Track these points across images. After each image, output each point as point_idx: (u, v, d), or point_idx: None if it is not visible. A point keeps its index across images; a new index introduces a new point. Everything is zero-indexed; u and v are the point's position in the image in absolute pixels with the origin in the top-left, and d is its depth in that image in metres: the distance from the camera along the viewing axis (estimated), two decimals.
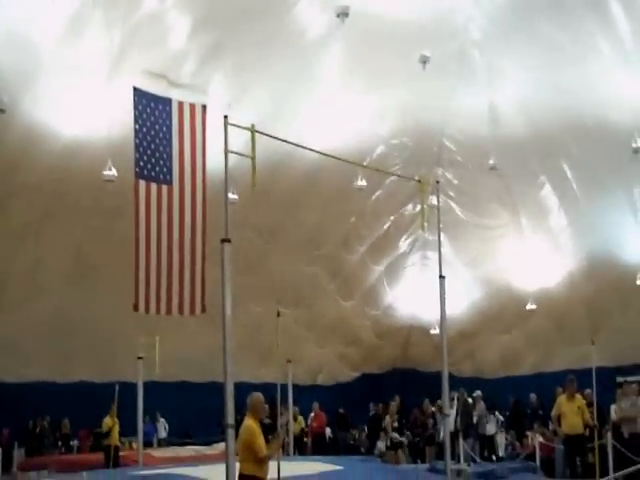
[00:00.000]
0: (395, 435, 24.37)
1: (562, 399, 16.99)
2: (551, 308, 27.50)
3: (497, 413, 24.79)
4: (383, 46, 20.78)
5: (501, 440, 24.45)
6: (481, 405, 23.50)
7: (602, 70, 20.82)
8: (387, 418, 24.83)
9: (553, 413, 17.43)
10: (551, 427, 20.51)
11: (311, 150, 13.22)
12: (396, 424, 24.85)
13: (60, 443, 25.46)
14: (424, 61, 18.88)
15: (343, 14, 16.85)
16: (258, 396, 9.92)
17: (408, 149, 25.72)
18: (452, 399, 21.42)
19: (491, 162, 23.58)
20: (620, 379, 24.27)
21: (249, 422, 9.72)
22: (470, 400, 23.27)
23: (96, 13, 17.95)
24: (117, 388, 18.80)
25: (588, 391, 19.07)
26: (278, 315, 19.74)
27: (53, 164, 20.69)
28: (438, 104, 23.65)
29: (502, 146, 23.91)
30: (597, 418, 17.78)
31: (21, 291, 23.28)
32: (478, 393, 23.85)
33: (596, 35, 20.19)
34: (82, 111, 19.81)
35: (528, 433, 23.18)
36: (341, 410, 28.00)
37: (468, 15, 21.38)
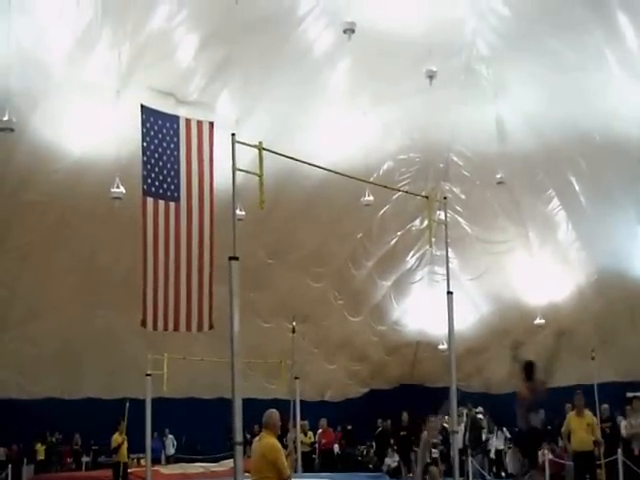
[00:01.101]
0: (435, 451, 23.89)
1: (571, 415, 16.88)
2: (560, 323, 27.38)
3: (505, 429, 24.69)
4: (390, 62, 20.84)
5: (510, 456, 24.34)
6: (484, 422, 23.40)
7: (609, 82, 20.81)
8: (425, 434, 24.40)
9: (563, 429, 17.32)
10: (560, 443, 20.39)
11: (318, 167, 13.20)
12: (436, 440, 24.43)
13: (71, 459, 25.56)
14: (431, 76, 18.86)
15: (350, 30, 16.85)
16: (275, 413, 9.88)
17: (415, 164, 25.75)
18: (460, 415, 21.33)
19: (498, 176, 23.55)
20: (630, 394, 24.12)
21: (271, 440, 9.63)
22: (480, 416, 23.16)
23: (104, 31, 18.06)
24: (127, 404, 18.79)
25: (605, 406, 19.02)
26: (293, 332, 19.76)
27: (62, 182, 20.80)
28: (445, 119, 23.70)
29: (509, 160, 23.87)
30: (603, 434, 17.66)
31: (29, 308, 23.40)
32: (479, 409, 23.76)
33: (603, 48, 20.20)
34: (90, 129, 19.93)
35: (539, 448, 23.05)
36: (349, 426, 27.92)
37: (474, 30, 21.41)
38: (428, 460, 21.51)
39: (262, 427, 9.84)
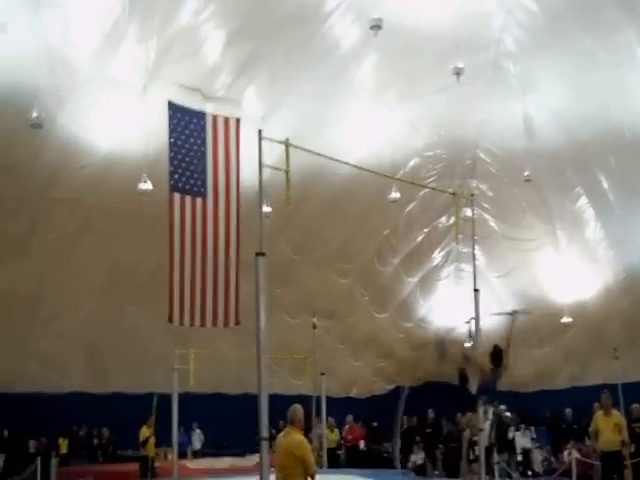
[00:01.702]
0: (477, 448, 23.57)
1: (599, 415, 16.77)
2: (587, 322, 27.22)
3: (533, 428, 24.60)
4: (416, 58, 20.76)
5: (537, 455, 24.24)
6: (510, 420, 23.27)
7: (639, 79, 20.63)
8: (467, 432, 24.19)
9: (590, 429, 17.22)
10: (588, 442, 20.27)
11: (344, 163, 13.20)
12: (475, 438, 24.23)
13: (98, 453, 25.77)
14: (458, 72, 18.77)
15: (376, 26, 16.79)
16: (301, 408, 9.91)
17: (442, 161, 25.64)
18: (486, 412, 21.25)
19: (526, 174, 23.40)
20: None
21: (299, 436, 9.66)
22: (508, 414, 23.03)
23: (131, 27, 18.10)
24: (155, 398, 18.89)
25: (636, 405, 18.86)
26: (314, 327, 19.80)
27: (89, 178, 20.91)
28: (472, 116, 23.58)
29: (537, 157, 23.71)
30: (634, 434, 17.52)
31: (59, 303, 23.57)
32: (503, 407, 23.64)
33: (632, 44, 19.99)
34: (118, 125, 20.00)
35: (566, 448, 22.92)
36: (374, 423, 27.91)
37: (502, 26, 21.27)
38: (471, 457, 21.39)
39: (287, 423, 9.86)
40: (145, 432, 20.18)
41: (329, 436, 23.26)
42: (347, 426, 25.93)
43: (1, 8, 16.88)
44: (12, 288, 22.40)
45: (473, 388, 13.96)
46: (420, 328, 31.01)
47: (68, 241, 22.44)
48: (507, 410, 23.70)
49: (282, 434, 9.84)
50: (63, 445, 25.12)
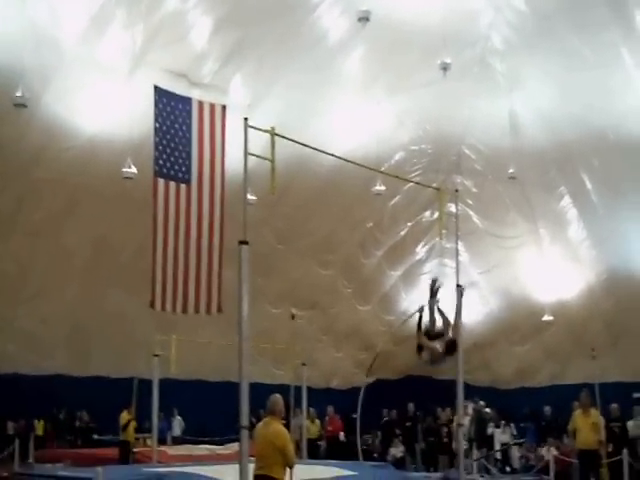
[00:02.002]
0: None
1: (578, 413, 16.81)
2: (568, 320, 27.31)
3: (512, 425, 24.70)
4: (404, 52, 20.79)
5: (515, 452, 24.34)
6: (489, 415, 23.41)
7: (624, 80, 20.73)
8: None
9: (569, 427, 17.29)
10: (566, 440, 20.35)
11: (330, 155, 13.18)
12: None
13: (77, 436, 25.74)
14: (445, 68, 18.79)
15: (364, 18, 16.79)
16: (280, 398, 9.88)
17: (427, 156, 25.67)
18: (466, 407, 21.33)
19: (510, 171, 23.46)
20: (637, 395, 24.06)
21: (279, 426, 9.61)
22: (488, 410, 23.13)
23: (118, 11, 18.07)
24: (136, 382, 18.85)
25: (614, 406, 18.94)
26: (292, 318, 19.76)
27: (73, 160, 20.89)
28: (458, 112, 23.62)
29: (522, 155, 23.78)
30: (612, 433, 17.60)
31: (41, 285, 23.59)
32: (481, 404, 23.76)
33: (619, 45, 20.09)
34: (103, 108, 19.96)
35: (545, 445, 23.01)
36: (354, 415, 27.93)
37: (490, 23, 21.33)
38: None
39: (267, 413, 9.81)
40: (125, 417, 20.13)
41: (310, 427, 23.27)
42: (327, 417, 25.96)
43: None
44: None
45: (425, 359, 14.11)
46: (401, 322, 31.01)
47: (52, 222, 22.42)
48: (487, 406, 23.82)
49: (261, 424, 9.78)
50: (39, 427, 25.07)
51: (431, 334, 13.91)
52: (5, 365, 24.09)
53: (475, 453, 21.11)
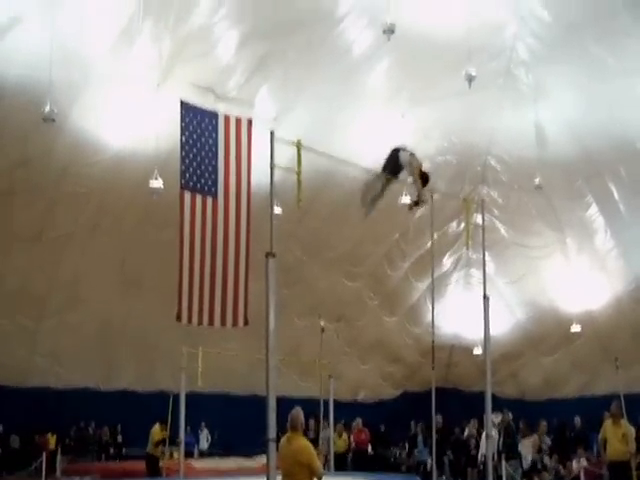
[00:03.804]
0: (540, 457, 23.22)
1: (608, 424, 16.66)
2: (596, 331, 27.14)
3: (546, 438, 24.45)
4: (429, 63, 20.75)
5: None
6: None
7: None
8: (534, 437, 23.90)
9: (599, 437, 17.13)
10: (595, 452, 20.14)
11: (356, 166, 13.18)
12: (544, 445, 23.96)
13: (106, 449, 25.84)
14: (470, 79, 18.75)
15: (389, 31, 16.78)
16: (301, 412, 9.84)
17: (453, 167, 25.60)
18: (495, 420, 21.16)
19: (537, 181, 23.36)
20: None
21: (303, 441, 9.58)
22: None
23: (145, 25, 18.17)
24: (172, 399, 18.77)
25: None
26: (322, 331, 19.71)
27: (101, 174, 21.02)
28: (483, 123, 23.57)
29: (548, 165, 23.67)
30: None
31: (67, 299, 23.71)
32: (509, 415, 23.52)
33: None
34: (130, 122, 20.08)
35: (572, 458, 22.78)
36: (382, 427, 27.86)
37: (515, 34, 21.27)
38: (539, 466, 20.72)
39: (289, 428, 9.75)
40: (158, 432, 19.98)
41: (337, 442, 23.15)
42: (355, 430, 25.87)
43: (17, 3, 16.99)
44: (22, 283, 22.50)
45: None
46: (429, 333, 30.88)
47: (79, 235, 22.59)
48: (513, 418, 23.59)
49: (284, 440, 9.70)
50: (52, 441, 24.96)
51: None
52: (33, 379, 24.26)
53: (504, 465, 20.92)
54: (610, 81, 20.71)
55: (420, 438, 25.96)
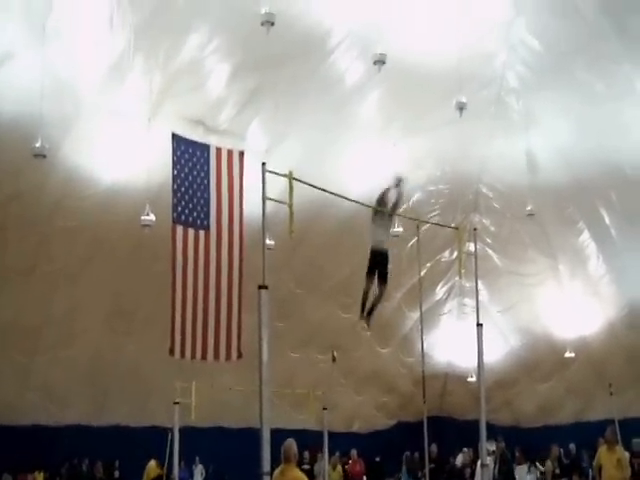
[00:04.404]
0: None
1: (603, 450, 16.65)
2: (590, 356, 27.12)
3: (538, 464, 24.40)
4: (420, 93, 20.85)
5: None
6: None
7: (638, 114, 20.69)
8: (548, 463, 23.69)
9: (594, 463, 17.09)
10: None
11: (346, 198, 13.21)
12: (558, 471, 23.78)
13: None
14: (461, 107, 18.86)
15: (380, 62, 16.90)
16: (294, 443, 9.78)
17: (445, 196, 25.67)
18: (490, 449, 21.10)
19: (528, 209, 23.43)
20: None
21: (297, 472, 9.53)
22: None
23: (136, 60, 18.24)
24: (170, 436, 18.58)
25: (636, 440, 18.66)
26: (334, 360, 19.51)
27: (92, 208, 20.96)
28: (475, 151, 23.66)
29: (540, 193, 23.76)
30: (633, 470, 17.35)
31: (59, 335, 23.52)
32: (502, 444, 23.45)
33: (633, 79, 20.13)
34: (122, 156, 20.10)
35: None
36: (377, 458, 27.71)
37: (505, 62, 21.42)
38: None
39: (282, 460, 9.61)
40: (154, 469, 19.77)
41: (331, 474, 23.00)
42: (350, 461, 25.75)
43: (7, 38, 17.06)
44: (14, 317, 22.39)
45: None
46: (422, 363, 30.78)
47: (71, 271, 22.46)
48: (509, 445, 23.53)
49: (278, 471, 9.60)
50: (39, 478, 24.62)
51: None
52: (25, 415, 24.07)
53: None
54: (600, 107, 20.84)
55: (404, 469, 25.96)
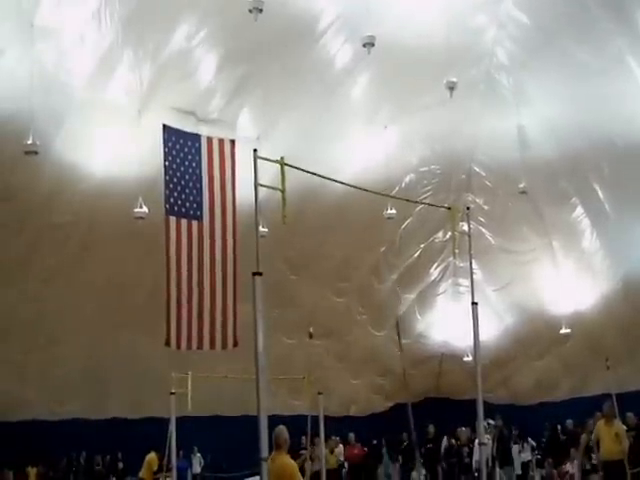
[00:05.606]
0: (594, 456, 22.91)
1: (600, 424, 16.74)
2: (586, 332, 27.18)
3: (530, 439, 24.55)
4: (409, 74, 20.80)
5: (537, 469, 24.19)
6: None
7: (631, 88, 20.65)
8: (584, 437, 23.56)
9: (592, 437, 17.17)
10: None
11: (339, 182, 13.18)
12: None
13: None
14: (451, 87, 18.83)
15: (369, 44, 16.88)
16: (285, 429, 9.83)
17: (437, 176, 25.68)
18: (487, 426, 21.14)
19: (521, 186, 23.43)
20: None
21: (284, 459, 9.57)
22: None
23: (125, 53, 18.18)
24: (170, 429, 18.57)
25: (630, 414, 18.76)
26: (310, 337, 19.54)
27: (85, 203, 20.92)
28: (466, 130, 23.64)
29: (532, 169, 23.77)
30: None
31: (55, 329, 23.48)
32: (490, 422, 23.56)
33: (624, 53, 20.07)
34: (113, 149, 20.04)
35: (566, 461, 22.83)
36: (374, 441, 27.81)
37: (494, 39, 21.35)
38: (587, 467, 20.52)
39: (274, 446, 9.60)
40: (155, 461, 19.78)
41: (328, 458, 23.02)
42: (348, 445, 25.82)
43: None
44: (10, 312, 22.37)
45: None
46: (418, 344, 30.91)
47: (66, 266, 22.41)
48: (506, 423, 23.64)
49: (269, 460, 9.63)
50: (32, 474, 24.56)
51: None
52: (22, 411, 24.08)
53: (498, 472, 20.92)
54: (590, 81, 20.77)
55: (384, 450, 26.08)
